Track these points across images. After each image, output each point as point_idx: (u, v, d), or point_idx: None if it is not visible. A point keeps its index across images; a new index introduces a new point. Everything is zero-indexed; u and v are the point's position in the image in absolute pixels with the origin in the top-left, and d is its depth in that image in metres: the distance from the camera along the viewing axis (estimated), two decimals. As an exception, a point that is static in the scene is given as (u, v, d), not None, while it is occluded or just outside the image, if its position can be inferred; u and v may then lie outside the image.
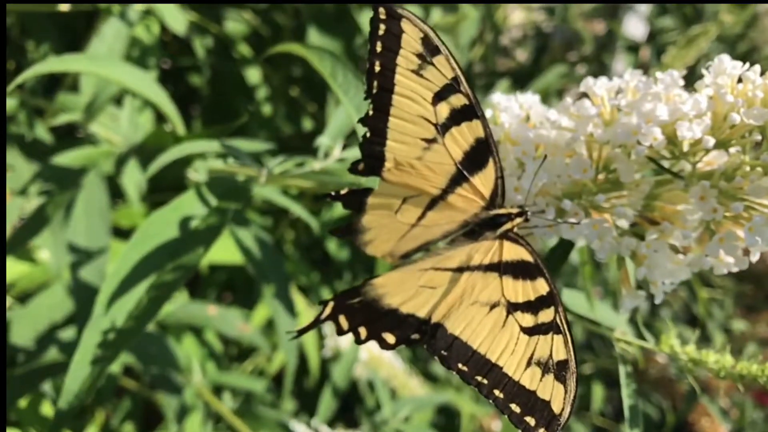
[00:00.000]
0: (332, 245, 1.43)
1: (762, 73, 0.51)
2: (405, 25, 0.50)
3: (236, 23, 1.42)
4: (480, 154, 0.52)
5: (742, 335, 1.89)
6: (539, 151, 0.58)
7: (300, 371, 1.35)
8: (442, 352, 0.49)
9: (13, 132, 1.10)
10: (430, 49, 0.51)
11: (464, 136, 0.52)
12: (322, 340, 1.36)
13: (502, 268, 0.51)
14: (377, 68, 0.51)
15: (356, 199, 0.55)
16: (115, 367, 1.10)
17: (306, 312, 1.28)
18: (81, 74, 1.02)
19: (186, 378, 1.18)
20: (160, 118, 1.22)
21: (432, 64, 0.51)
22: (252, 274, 0.98)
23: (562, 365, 0.47)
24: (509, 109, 0.61)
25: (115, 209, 1.12)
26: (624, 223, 0.57)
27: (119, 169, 1.03)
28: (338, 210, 1.30)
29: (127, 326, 0.64)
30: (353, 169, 0.53)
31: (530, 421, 0.46)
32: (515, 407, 0.46)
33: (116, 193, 1.05)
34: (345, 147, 0.79)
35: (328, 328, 1.33)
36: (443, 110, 0.51)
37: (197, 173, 0.99)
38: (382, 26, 0.50)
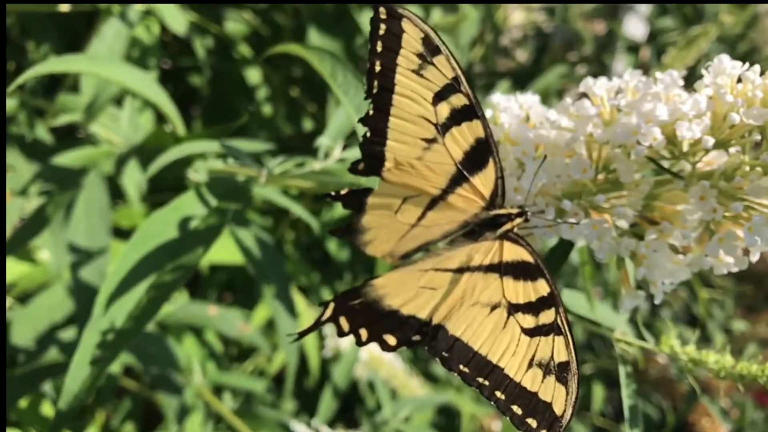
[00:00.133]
0: (332, 245, 1.43)
1: (762, 73, 0.51)
2: (405, 24, 0.50)
3: (236, 23, 1.42)
4: (480, 154, 0.52)
5: (742, 335, 1.89)
6: (539, 151, 0.58)
7: (300, 371, 1.35)
8: (444, 353, 0.49)
9: (14, 132, 1.10)
10: (430, 49, 0.50)
11: (464, 136, 0.52)
12: (322, 341, 1.36)
13: (502, 268, 0.51)
14: (378, 68, 0.51)
15: (356, 199, 0.54)
16: (116, 368, 1.10)
17: (306, 312, 1.28)
18: (81, 75, 1.02)
19: (186, 378, 1.18)
20: (161, 118, 1.22)
21: (432, 64, 0.51)
22: (252, 274, 0.98)
23: (564, 367, 0.47)
24: (509, 109, 0.61)
25: (115, 209, 1.12)
26: (624, 224, 0.57)
27: (119, 170, 1.03)
28: (338, 210, 1.30)
29: (127, 326, 0.64)
30: (353, 169, 0.53)
31: (532, 423, 0.46)
32: (517, 409, 0.46)
33: (116, 194, 1.05)
34: (345, 147, 0.79)
35: (329, 328, 1.33)
36: (443, 110, 0.51)
37: (197, 173, 0.99)
38: (383, 26, 0.50)
